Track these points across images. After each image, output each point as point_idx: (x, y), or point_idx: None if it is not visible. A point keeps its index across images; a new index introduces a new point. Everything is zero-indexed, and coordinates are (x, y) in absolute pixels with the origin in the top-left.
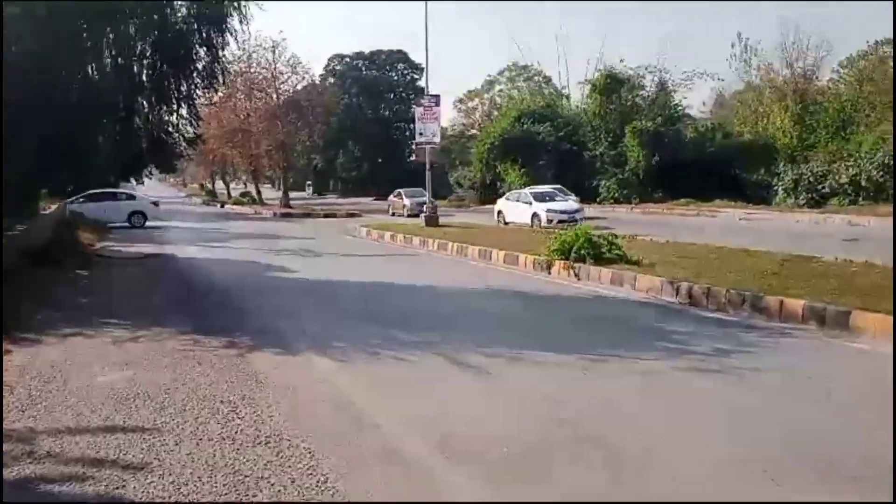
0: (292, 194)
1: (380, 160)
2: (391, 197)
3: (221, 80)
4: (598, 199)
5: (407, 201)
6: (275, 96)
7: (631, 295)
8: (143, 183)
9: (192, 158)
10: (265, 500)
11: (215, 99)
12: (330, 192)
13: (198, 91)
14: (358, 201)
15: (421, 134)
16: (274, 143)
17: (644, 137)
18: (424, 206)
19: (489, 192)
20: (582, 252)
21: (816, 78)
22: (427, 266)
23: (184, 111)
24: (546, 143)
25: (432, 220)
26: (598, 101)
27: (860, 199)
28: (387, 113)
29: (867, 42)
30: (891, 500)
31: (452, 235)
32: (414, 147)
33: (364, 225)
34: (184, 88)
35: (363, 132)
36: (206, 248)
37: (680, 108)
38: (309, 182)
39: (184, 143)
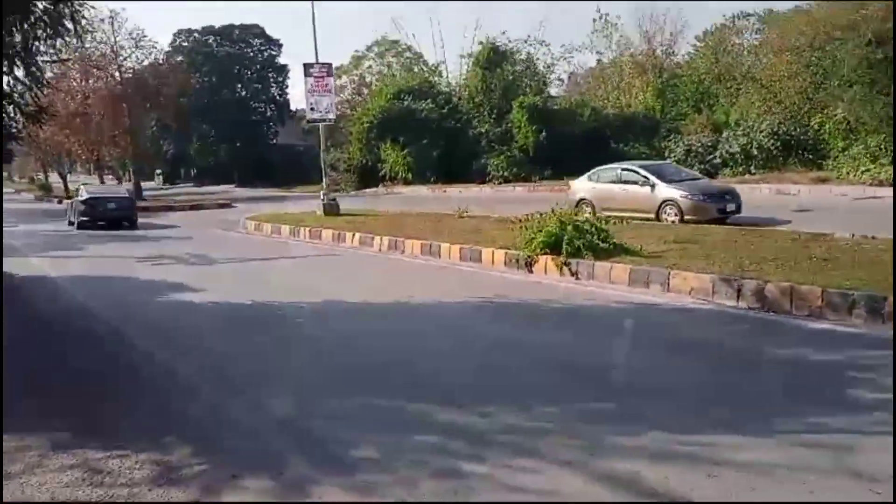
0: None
1: (238, 144)
2: None
3: (73, 29)
4: (486, 180)
5: None
6: (117, 75)
7: (667, 299)
8: None
9: (22, 146)
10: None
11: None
12: (182, 181)
13: (39, 45)
14: (217, 190)
15: (312, 109)
16: (119, 129)
17: (532, 113)
18: (322, 195)
19: (368, 175)
20: (576, 244)
21: (673, 53)
22: (366, 270)
23: (19, 72)
24: (428, 121)
25: (332, 209)
26: (479, 76)
27: (752, 167)
28: (244, 93)
29: (723, 16)
30: (891, 500)
31: (367, 226)
32: (305, 125)
33: (250, 217)
34: (18, 39)
35: (219, 114)
36: (59, 259)
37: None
38: (159, 171)
39: (20, 120)
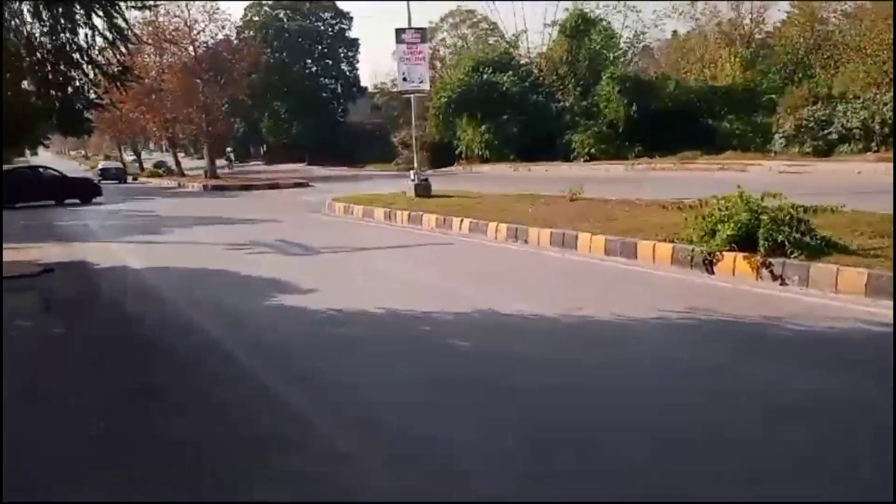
0: None
1: (309, 121)
2: None
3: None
4: (572, 157)
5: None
6: (191, 49)
7: None
8: (36, 154)
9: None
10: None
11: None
12: (251, 158)
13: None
14: (288, 168)
15: (405, 79)
16: (193, 106)
17: (624, 85)
18: (413, 175)
19: (443, 153)
20: (778, 239)
21: (763, 21)
22: (497, 265)
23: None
24: (510, 95)
25: (424, 190)
26: (565, 46)
27: (873, 144)
28: (315, 68)
29: None
30: (891, 500)
31: (470, 209)
32: (378, 99)
33: (337, 199)
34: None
35: (290, 90)
36: (141, 244)
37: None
38: (229, 149)
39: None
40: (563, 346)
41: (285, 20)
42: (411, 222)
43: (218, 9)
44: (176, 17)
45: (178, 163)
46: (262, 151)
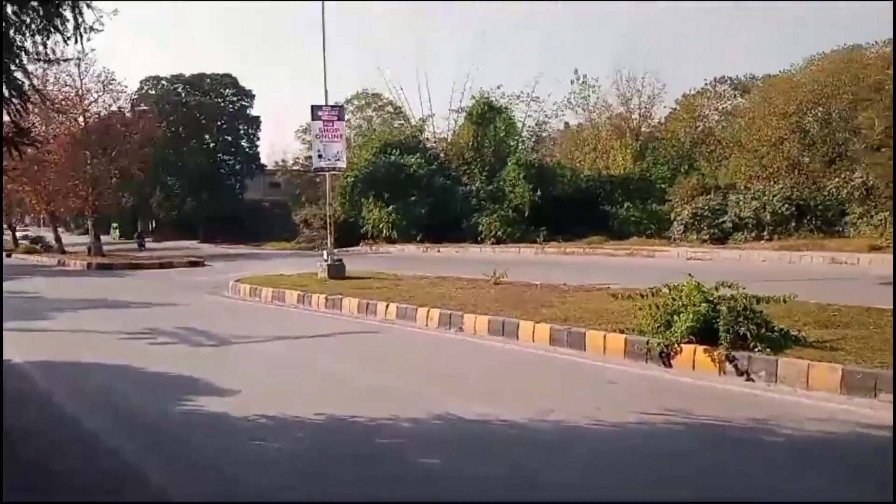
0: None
1: (205, 197)
2: None
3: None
4: (479, 238)
5: None
6: (81, 120)
7: None
8: None
9: None
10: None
11: None
12: (139, 235)
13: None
14: (180, 245)
15: (321, 156)
16: (80, 179)
17: (529, 171)
18: (325, 255)
19: (347, 233)
20: (741, 331)
21: (650, 116)
22: (438, 358)
23: None
24: (417, 176)
25: (338, 271)
26: (471, 131)
27: (764, 233)
28: (213, 144)
29: (704, 80)
30: (891, 499)
31: (392, 293)
32: (311, 171)
33: (242, 281)
34: None
35: (185, 165)
36: (22, 333)
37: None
38: (115, 225)
39: None
40: (556, 464)
41: (183, 94)
42: (330, 307)
43: (114, 79)
44: (67, 85)
45: (58, 238)
46: (150, 227)
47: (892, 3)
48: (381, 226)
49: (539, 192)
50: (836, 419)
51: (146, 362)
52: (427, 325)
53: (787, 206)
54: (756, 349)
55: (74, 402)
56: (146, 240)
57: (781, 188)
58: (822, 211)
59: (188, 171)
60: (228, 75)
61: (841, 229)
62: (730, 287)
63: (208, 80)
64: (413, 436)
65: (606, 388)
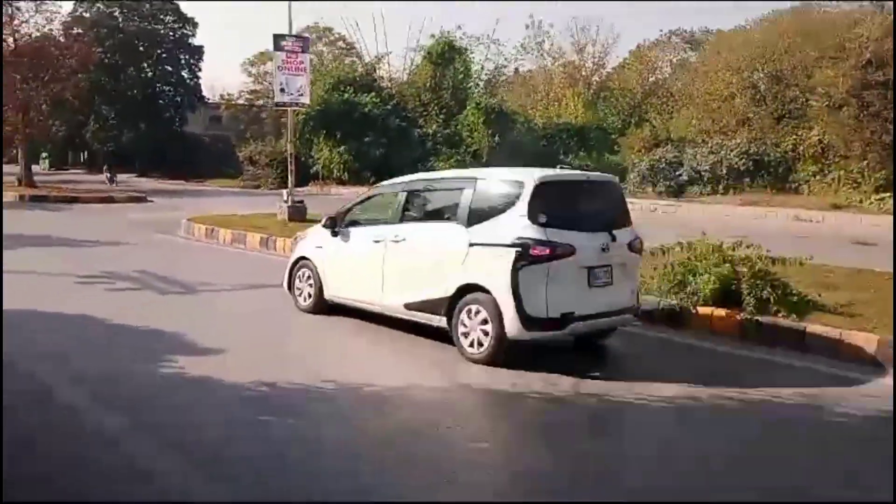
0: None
1: (142, 128)
2: None
3: None
4: None
5: None
6: (11, 41)
7: None
8: None
9: None
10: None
11: None
12: (70, 166)
13: None
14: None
15: (283, 90)
16: (9, 104)
17: (488, 115)
18: (286, 195)
19: (297, 172)
20: (764, 294)
21: (604, 65)
22: None
23: None
24: (372, 117)
25: (299, 213)
26: (430, 72)
27: (720, 186)
28: (151, 73)
29: (660, 31)
30: (891, 500)
31: None
32: (272, 107)
33: (195, 220)
34: None
35: (121, 94)
36: None
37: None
38: (45, 154)
39: None
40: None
41: (120, 20)
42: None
43: None
44: None
45: None
46: (82, 158)
47: (892, 2)
48: (332, 166)
49: (497, 138)
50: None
51: (110, 312)
52: None
53: (743, 160)
54: (780, 314)
55: (42, 364)
56: (115, 174)
57: (739, 143)
58: (774, 167)
59: (125, 100)
60: (170, 1)
61: (793, 185)
62: (748, 247)
63: (147, 6)
64: (450, 404)
65: (636, 354)
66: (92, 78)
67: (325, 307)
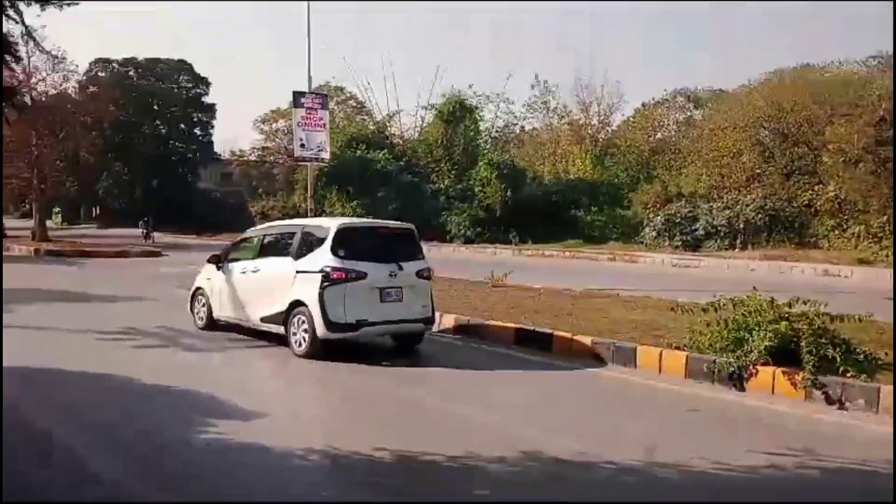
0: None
1: (155, 184)
2: None
3: None
4: (448, 238)
5: None
6: (27, 99)
7: None
8: None
9: None
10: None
11: None
12: (82, 221)
13: None
14: (127, 233)
15: (302, 145)
16: (24, 160)
17: (500, 171)
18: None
19: None
20: (827, 353)
21: (609, 123)
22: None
23: None
24: (384, 173)
25: None
26: (441, 130)
27: (738, 241)
28: (164, 130)
29: (664, 90)
30: (891, 500)
31: None
32: (288, 162)
33: None
34: None
35: (135, 151)
36: None
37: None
38: (57, 209)
39: None
40: None
41: (135, 78)
42: None
43: (64, 58)
44: (12, 61)
45: None
46: (94, 213)
47: (892, 3)
48: None
49: (510, 193)
50: None
51: (137, 372)
52: (440, 330)
53: (760, 215)
54: (847, 374)
55: (73, 429)
56: (152, 228)
57: (754, 198)
58: (790, 221)
59: (138, 157)
60: (183, 61)
61: (812, 240)
62: (805, 303)
63: (162, 66)
64: (511, 481)
65: (693, 418)
66: (106, 135)
67: (215, 325)
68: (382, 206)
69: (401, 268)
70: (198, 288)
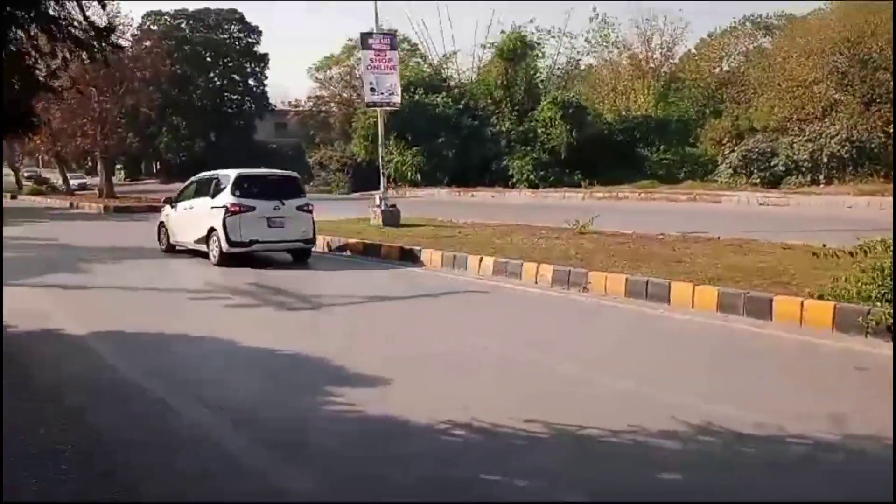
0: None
1: (213, 137)
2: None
3: None
4: (510, 184)
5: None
6: (85, 54)
7: None
8: None
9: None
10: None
11: None
12: (143, 176)
13: None
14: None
15: (373, 89)
16: (88, 117)
17: (566, 111)
18: (379, 200)
19: (368, 177)
20: None
21: (672, 56)
22: (600, 330)
23: None
24: (443, 117)
25: (393, 218)
26: (501, 69)
27: (821, 176)
28: (219, 83)
29: (733, 18)
30: (891, 500)
31: (468, 244)
32: (363, 107)
33: None
34: None
35: (191, 105)
36: (65, 291)
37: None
38: (119, 166)
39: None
40: None
41: (187, 31)
42: (404, 259)
43: (119, 12)
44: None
45: (66, 180)
46: (155, 169)
47: (892, 2)
48: (404, 169)
49: (574, 133)
50: None
51: (238, 333)
52: (537, 282)
53: (846, 147)
54: None
55: (187, 401)
56: None
57: (839, 129)
58: (876, 154)
59: (195, 110)
60: (234, 10)
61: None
62: None
63: (213, 16)
64: (701, 463)
65: (866, 378)
66: (162, 89)
67: (172, 249)
68: (442, 152)
69: (283, 203)
70: (161, 222)
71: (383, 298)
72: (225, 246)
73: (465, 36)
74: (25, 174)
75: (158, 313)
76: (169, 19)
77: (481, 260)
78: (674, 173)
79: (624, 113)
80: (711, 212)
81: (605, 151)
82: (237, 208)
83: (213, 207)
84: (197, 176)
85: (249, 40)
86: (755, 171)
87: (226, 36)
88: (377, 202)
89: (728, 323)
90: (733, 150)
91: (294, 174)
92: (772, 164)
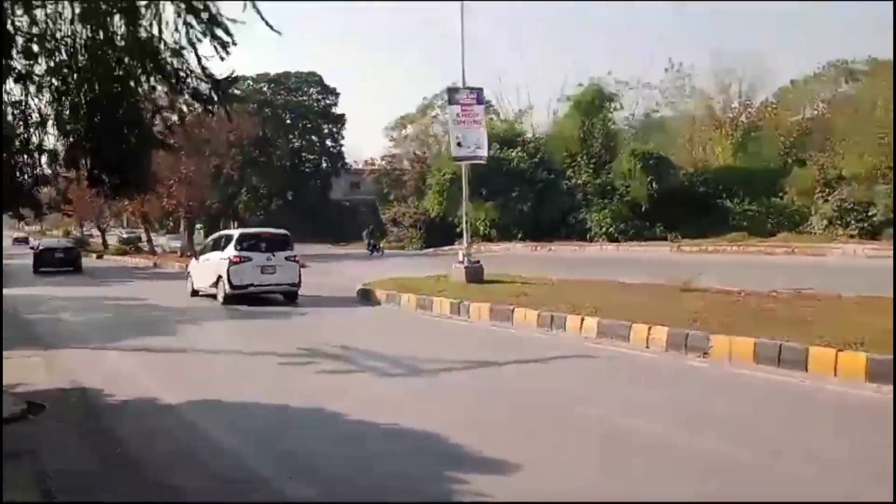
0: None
1: (290, 196)
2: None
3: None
4: (588, 237)
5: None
6: (175, 117)
7: None
8: None
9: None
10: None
11: None
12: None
13: None
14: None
15: (459, 144)
16: (175, 178)
17: (647, 162)
18: (462, 256)
19: (441, 233)
20: None
21: (750, 105)
22: (741, 403)
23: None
24: (517, 171)
25: (476, 274)
26: (577, 121)
27: None
28: (297, 143)
29: (818, 65)
30: (891, 500)
31: (558, 301)
32: (437, 164)
33: (374, 285)
34: None
35: (271, 165)
36: (155, 355)
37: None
38: (199, 225)
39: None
40: None
41: (269, 94)
42: (496, 318)
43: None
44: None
45: (150, 240)
46: (233, 227)
47: (892, 2)
48: (478, 223)
49: (655, 185)
50: None
51: (339, 404)
52: (648, 346)
53: None
54: None
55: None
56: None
57: None
58: None
59: (274, 170)
60: (313, 73)
61: None
62: None
63: (293, 79)
64: None
65: None
66: (244, 150)
67: (195, 294)
68: (517, 206)
69: (274, 255)
70: (188, 272)
71: (486, 364)
72: (228, 289)
73: (540, 92)
74: (125, 234)
75: (250, 381)
76: (251, 83)
77: (583, 320)
78: (760, 225)
79: (702, 164)
80: (815, 265)
81: (686, 204)
82: (238, 259)
83: (220, 259)
84: (216, 234)
85: (327, 102)
86: (852, 221)
87: (305, 98)
88: (460, 258)
89: (884, 395)
90: (826, 200)
91: (285, 232)
92: (869, 213)
